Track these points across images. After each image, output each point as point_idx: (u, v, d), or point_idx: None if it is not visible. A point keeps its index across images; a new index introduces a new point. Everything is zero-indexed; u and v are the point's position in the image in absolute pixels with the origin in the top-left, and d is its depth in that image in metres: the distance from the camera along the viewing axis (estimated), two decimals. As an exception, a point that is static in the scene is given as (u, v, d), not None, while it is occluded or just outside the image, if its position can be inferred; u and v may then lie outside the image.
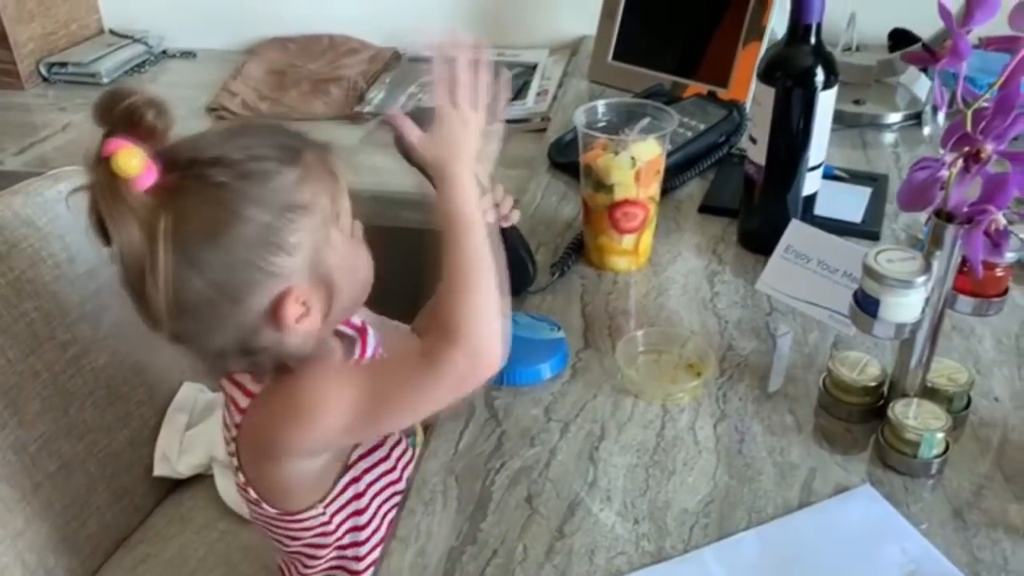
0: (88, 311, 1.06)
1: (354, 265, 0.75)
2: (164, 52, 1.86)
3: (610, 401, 0.85)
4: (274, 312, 0.70)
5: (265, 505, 0.80)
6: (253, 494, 0.80)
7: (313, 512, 0.81)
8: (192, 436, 1.15)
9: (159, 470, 1.13)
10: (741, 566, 0.69)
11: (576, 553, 0.70)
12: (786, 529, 0.72)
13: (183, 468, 1.14)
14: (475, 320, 0.71)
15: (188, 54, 1.86)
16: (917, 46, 1.28)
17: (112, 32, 1.87)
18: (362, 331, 0.85)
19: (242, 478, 0.80)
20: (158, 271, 0.64)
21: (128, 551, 1.09)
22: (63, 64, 1.75)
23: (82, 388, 1.06)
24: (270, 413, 0.74)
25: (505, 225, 0.91)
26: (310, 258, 0.70)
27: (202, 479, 1.16)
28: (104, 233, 0.66)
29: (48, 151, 1.52)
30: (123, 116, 0.66)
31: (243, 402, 0.76)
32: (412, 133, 0.78)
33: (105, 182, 0.64)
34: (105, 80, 1.73)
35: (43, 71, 1.75)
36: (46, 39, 1.76)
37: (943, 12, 0.69)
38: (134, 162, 0.64)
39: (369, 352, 0.85)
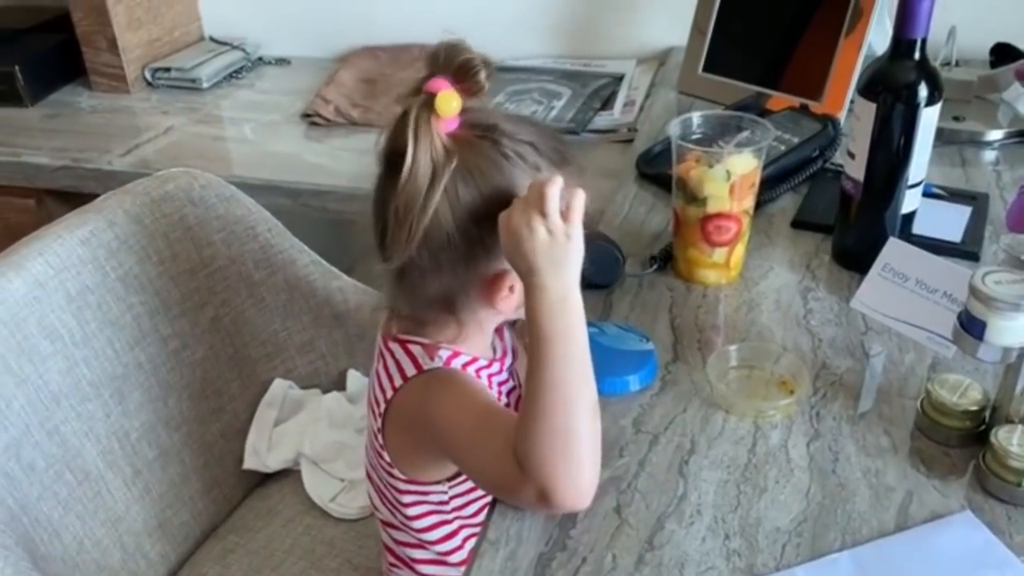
0: (188, 307, 1.11)
1: None
2: (260, 59, 1.92)
3: (700, 416, 0.84)
4: (490, 283, 0.77)
5: (396, 471, 0.83)
6: (387, 457, 0.83)
7: (438, 488, 0.84)
8: (281, 432, 1.19)
9: (249, 463, 1.17)
10: (835, 588, 0.68)
11: (666, 565, 0.70)
12: (882, 552, 0.70)
13: (272, 462, 1.17)
14: (544, 457, 0.67)
15: (283, 61, 1.92)
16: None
17: (212, 39, 1.94)
18: (513, 350, 0.89)
19: (381, 440, 0.83)
20: (429, 203, 0.71)
21: (218, 540, 1.13)
22: (167, 69, 1.82)
23: (180, 381, 1.10)
24: (429, 405, 0.78)
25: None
26: None
27: (289, 474, 1.19)
28: (389, 157, 0.73)
29: (150, 153, 1.58)
30: (461, 65, 0.73)
31: (410, 370, 0.79)
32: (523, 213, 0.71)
33: (420, 112, 0.71)
34: (205, 85, 1.80)
35: (147, 76, 1.82)
36: (151, 45, 1.84)
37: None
38: (453, 104, 0.72)
39: (506, 364, 0.87)
